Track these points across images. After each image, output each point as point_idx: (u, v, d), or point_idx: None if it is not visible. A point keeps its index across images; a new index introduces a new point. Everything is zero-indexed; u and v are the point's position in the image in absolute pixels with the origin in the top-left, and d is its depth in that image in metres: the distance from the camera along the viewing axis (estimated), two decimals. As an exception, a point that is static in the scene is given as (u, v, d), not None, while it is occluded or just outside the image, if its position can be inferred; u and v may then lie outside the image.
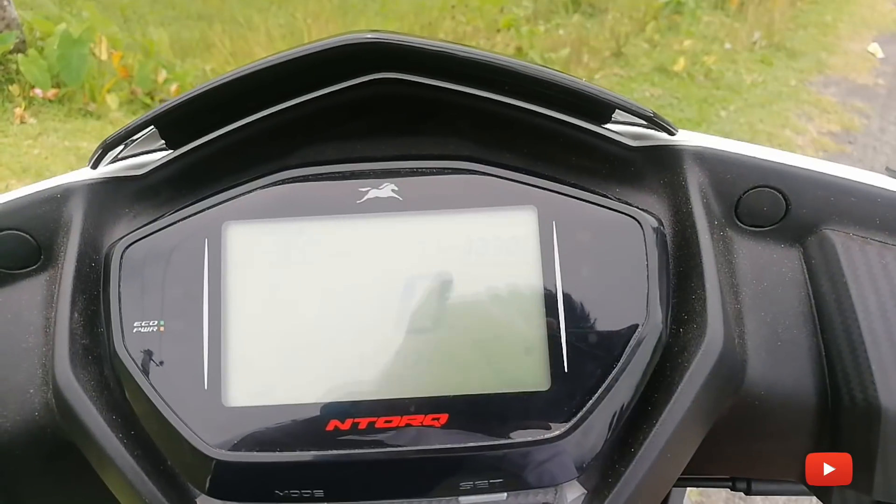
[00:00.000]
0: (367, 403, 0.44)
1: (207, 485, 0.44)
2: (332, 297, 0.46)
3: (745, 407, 0.48)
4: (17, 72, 3.78)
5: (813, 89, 5.03)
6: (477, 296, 0.46)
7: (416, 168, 0.48)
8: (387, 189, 0.47)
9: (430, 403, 0.44)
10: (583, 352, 0.45)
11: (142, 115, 0.47)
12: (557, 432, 0.44)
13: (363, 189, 0.47)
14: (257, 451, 0.43)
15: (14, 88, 3.75)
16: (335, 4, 5.65)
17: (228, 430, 0.44)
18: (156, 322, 0.45)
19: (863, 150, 4.17)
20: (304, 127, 0.51)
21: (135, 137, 0.49)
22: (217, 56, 4.57)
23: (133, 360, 0.45)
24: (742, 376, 0.47)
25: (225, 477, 0.44)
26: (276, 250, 0.46)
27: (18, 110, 3.65)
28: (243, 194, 0.47)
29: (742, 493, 0.61)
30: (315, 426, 0.44)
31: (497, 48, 4.69)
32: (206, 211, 0.47)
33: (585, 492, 0.45)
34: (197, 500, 0.45)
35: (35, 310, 0.48)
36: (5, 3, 3.81)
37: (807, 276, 0.50)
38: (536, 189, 0.47)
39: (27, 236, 0.49)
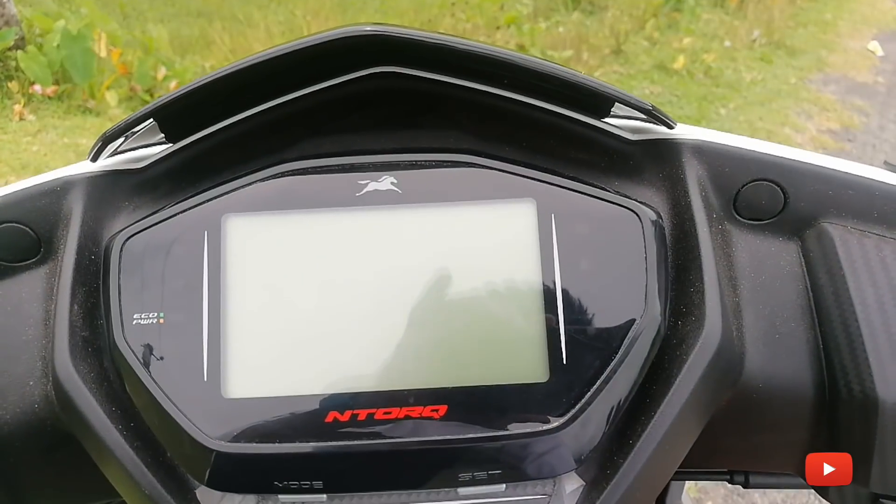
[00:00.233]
0: (366, 395, 0.44)
1: (207, 476, 0.44)
2: (331, 290, 0.46)
3: (743, 400, 0.48)
4: (17, 68, 3.78)
5: (812, 87, 5.03)
6: (476, 288, 0.46)
7: (416, 161, 0.48)
8: (386, 182, 0.47)
9: (430, 395, 0.44)
10: (581, 344, 0.45)
11: (141, 108, 0.47)
12: (556, 424, 0.44)
13: (362, 182, 0.47)
14: (256, 442, 0.43)
15: (13, 85, 3.75)
16: (335, 1, 5.65)
17: (228, 422, 0.44)
18: (155, 314, 0.45)
19: (862, 148, 4.17)
20: (304, 120, 0.51)
21: (134, 130, 0.49)
22: (217, 53, 4.56)
23: (133, 352, 0.45)
24: (740, 369, 0.47)
25: (224, 468, 0.44)
26: (275, 243, 0.46)
27: (18, 107, 3.65)
28: (243, 187, 0.47)
29: (740, 489, 0.61)
30: (314, 418, 0.44)
31: (497, 46, 4.68)
32: (206, 204, 0.47)
33: (584, 483, 0.46)
34: (196, 491, 0.45)
35: (35, 302, 0.48)
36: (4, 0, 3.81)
37: (805, 269, 0.50)
38: (535, 182, 0.47)
39: (27, 229, 0.49)
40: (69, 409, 0.44)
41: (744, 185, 0.50)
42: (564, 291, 0.46)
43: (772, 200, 0.50)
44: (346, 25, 0.45)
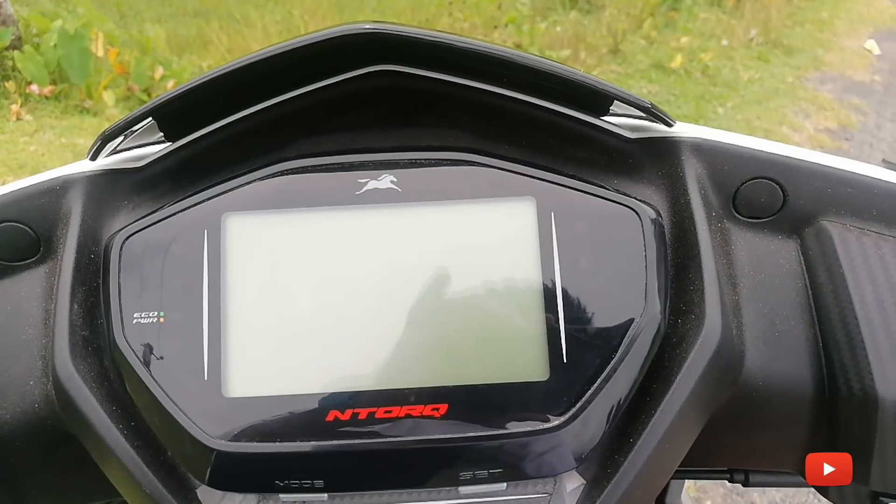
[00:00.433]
0: (366, 394, 0.44)
1: (208, 475, 0.44)
2: (331, 288, 0.46)
3: (742, 398, 0.48)
4: (14, 68, 3.77)
5: (810, 86, 5.04)
6: (476, 287, 0.46)
7: (415, 159, 0.48)
8: (386, 180, 0.47)
9: (430, 394, 0.44)
10: (582, 342, 0.45)
11: (140, 107, 0.47)
12: (557, 423, 0.44)
13: (362, 180, 0.47)
14: (257, 441, 0.43)
15: (10, 85, 3.74)
16: (332, 1, 5.64)
17: (228, 421, 0.44)
18: (155, 313, 0.45)
19: (859, 147, 4.18)
20: (303, 118, 0.51)
21: (133, 129, 0.49)
22: (214, 53, 4.56)
23: (133, 351, 0.45)
24: (740, 367, 0.47)
25: (225, 467, 0.44)
26: (275, 241, 0.46)
27: (15, 107, 3.64)
28: (242, 186, 0.47)
29: (740, 488, 0.61)
30: (315, 416, 0.44)
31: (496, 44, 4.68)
32: (206, 202, 0.47)
33: (584, 482, 0.46)
34: (197, 490, 0.45)
35: (34, 301, 0.48)
36: (1, -1, 3.81)
37: (804, 268, 0.50)
38: (535, 180, 0.47)
39: (26, 228, 0.49)
40: (69, 409, 0.44)
41: (743, 184, 0.50)
42: (564, 290, 0.46)
43: (771, 198, 0.50)
44: (345, 24, 0.45)
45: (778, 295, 0.49)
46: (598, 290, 0.46)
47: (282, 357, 0.45)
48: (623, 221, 0.47)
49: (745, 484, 0.60)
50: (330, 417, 0.44)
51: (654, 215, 0.48)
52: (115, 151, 0.51)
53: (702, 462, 0.53)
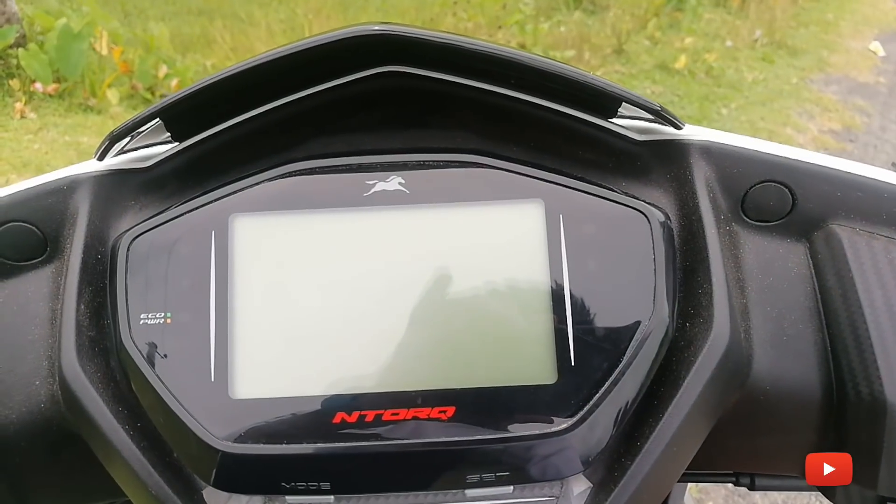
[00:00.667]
0: (373, 396, 0.44)
1: (213, 477, 0.44)
2: (338, 290, 0.45)
3: (750, 402, 0.48)
4: (18, 66, 3.78)
5: (814, 87, 5.03)
6: (484, 289, 0.46)
7: (423, 161, 0.48)
8: (394, 182, 0.47)
9: (437, 396, 0.44)
10: (589, 345, 0.45)
11: (148, 107, 0.47)
12: (564, 426, 0.44)
13: (370, 182, 0.47)
14: (264, 443, 0.43)
15: (14, 83, 3.75)
16: (336, 0, 5.64)
17: (235, 422, 0.44)
18: (162, 314, 0.45)
19: (864, 149, 4.17)
20: (311, 119, 0.51)
21: (141, 129, 0.49)
22: (218, 51, 4.56)
23: (139, 352, 0.45)
24: (748, 371, 0.47)
25: (231, 469, 0.44)
26: (282, 243, 0.46)
27: (19, 105, 3.64)
28: (250, 187, 0.47)
29: (742, 490, 0.61)
30: (321, 418, 0.44)
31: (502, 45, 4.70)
32: (213, 203, 0.47)
33: (591, 485, 0.45)
34: (203, 491, 0.45)
35: (41, 301, 0.48)
36: (6, -3, 3.81)
37: (813, 271, 0.49)
38: (543, 182, 0.47)
39: (33, 228, 0.49)
40: (75, 409, 0.44)
41: (752, 187, 0.50)
42: (572, 292, 0.45)
43: (780, 202, 0.50)
44: (353, 25, 0.45)
45: (786, 299, 0.49)
46: (606, 293, 0.46)
47: (289, 358, 0.45)
48: (631, 224, 0.47)
49: (752, 488, 0.60)
50: (337, 419, 0.44)
51: (662, 218, 0.47)
52: (122, 151, 0.51)
53: (707, 465, 0.53)
